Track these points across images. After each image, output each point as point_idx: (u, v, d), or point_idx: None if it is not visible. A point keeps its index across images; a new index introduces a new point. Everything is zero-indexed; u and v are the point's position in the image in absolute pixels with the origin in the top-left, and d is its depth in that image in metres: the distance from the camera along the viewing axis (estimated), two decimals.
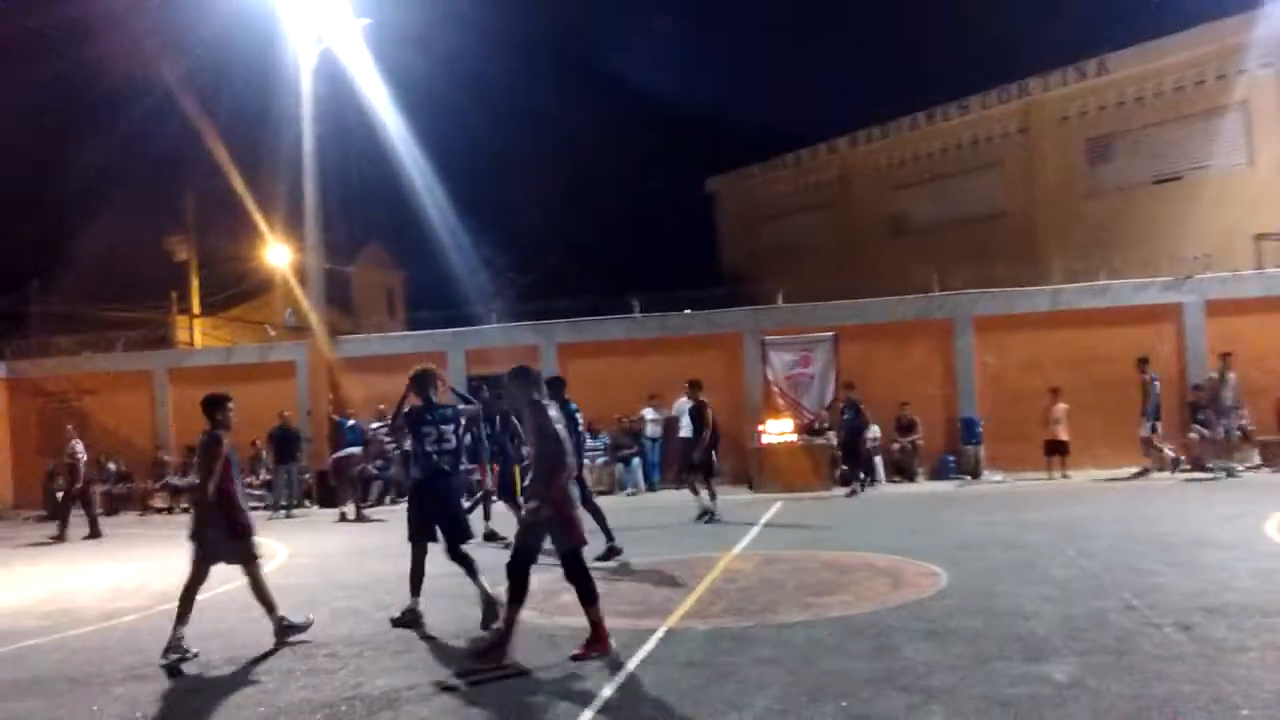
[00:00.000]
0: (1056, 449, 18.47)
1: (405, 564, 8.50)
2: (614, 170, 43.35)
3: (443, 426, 8.50)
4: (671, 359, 20.88)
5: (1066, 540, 10.99)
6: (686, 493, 18.97)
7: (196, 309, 32.10)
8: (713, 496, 14.64)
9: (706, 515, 14.41)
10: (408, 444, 19.48)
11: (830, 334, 20.42)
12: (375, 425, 20.56)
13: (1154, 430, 17.73)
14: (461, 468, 9.01)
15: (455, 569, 8.28)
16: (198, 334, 31.66)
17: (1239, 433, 17.75)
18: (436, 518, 8.47)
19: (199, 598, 7.97)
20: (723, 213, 41.03)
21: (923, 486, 18.79)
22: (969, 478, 19.11)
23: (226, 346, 27.38)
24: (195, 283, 31.93)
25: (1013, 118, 31.34)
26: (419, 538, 8.51)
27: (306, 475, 20.18)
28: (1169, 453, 17.91)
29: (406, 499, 9.02)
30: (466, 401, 9.83)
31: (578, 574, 7.08)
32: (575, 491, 7.34)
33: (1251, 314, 19.10)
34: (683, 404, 19.87)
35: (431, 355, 22.01)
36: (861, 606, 8.15)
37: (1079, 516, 13.11)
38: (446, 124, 37.19)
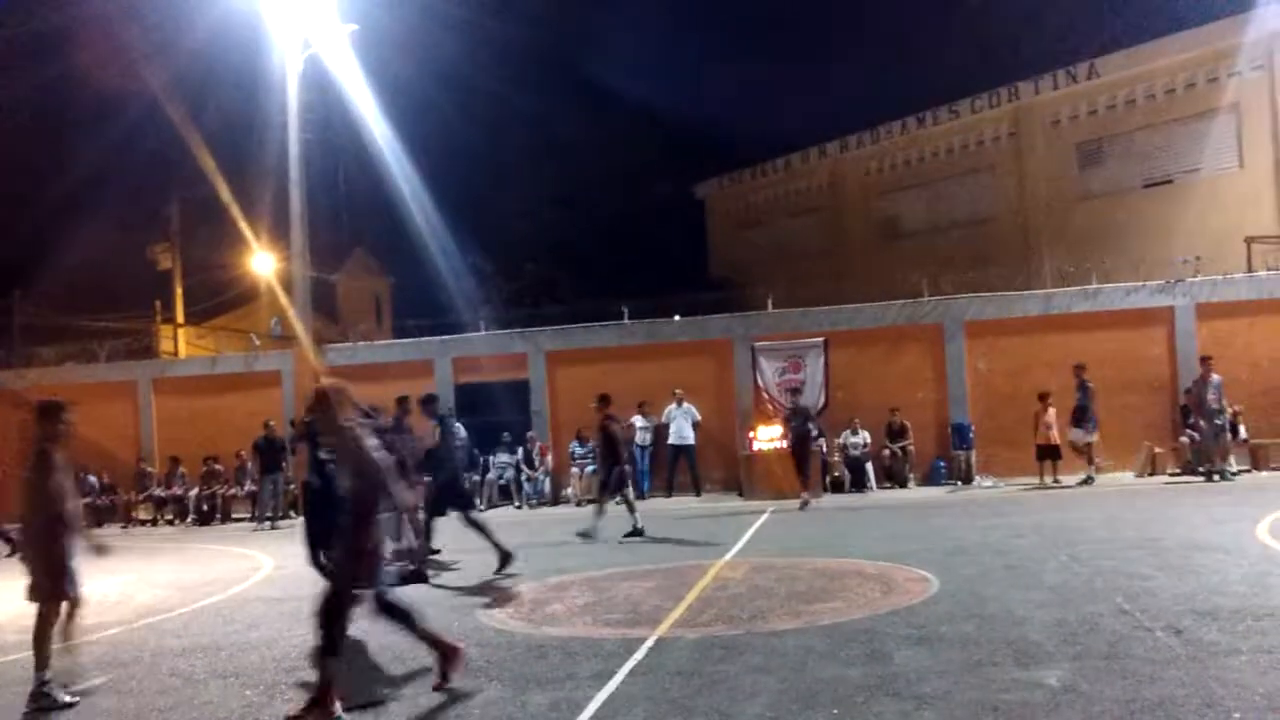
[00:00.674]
0: (1048, 454, 18.43)
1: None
2: (603, 176, 43.39)
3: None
4: (661, 366, 20.83)
5: (1058, 545, 10.94)
6: (677, 500, 19.05)
7: (181, 318, 31.88)
8: (600, 514, 13.88)
9: (587, 534, 13.58)
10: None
11: (820, 340, 20.36)
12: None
13: (1087, 435, 17.90)
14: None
15: (447, 581, 8.18)
16: (182, 344, 31.44)
17: (1230, 435, 17.71)
18: (331, 519, 8.69)
19: (182, 611, 7.85)
20: (713, 218, 41.08)
21: (914, 492, 18.72)
22: (960, 483, 19.06)
23: (211, 356, 27.24)
24: (179, 291, 31.73)
25: (1003, 121, 31.44)
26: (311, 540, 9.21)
27: (291, 485, 20.03)
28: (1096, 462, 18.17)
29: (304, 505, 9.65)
30: (368, 417, 9.85)
31: (331, 617, 6.14)
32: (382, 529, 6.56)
33: (1243, 316, 19.11)
34: (672, 410, 19.93)
35: (419, 363, 22.02)
36: (853, 613, 8.08)
37: (1070, 521, 13.05)
38: (434, 129, 37.19)
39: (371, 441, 6.49)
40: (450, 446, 12.21)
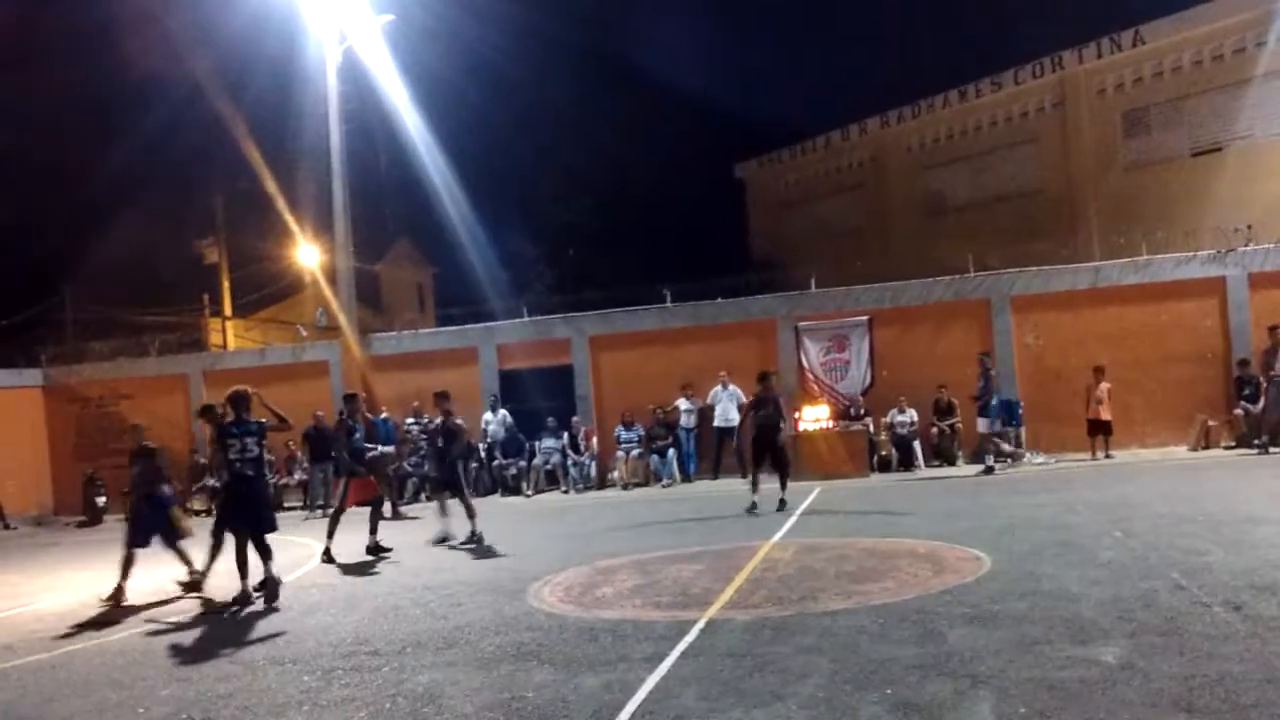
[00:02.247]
0: (1099, 429, 18.20)
1: (442, 561, 8.48)
2: (642, 159, 43.26)
3: (246, 439, 9.90)
4: (705, 348, 20.78)
5: (1111, 521, 10.80)
6: (724, 482, 19.00)
7: (228, 311, 32.32)
8: (467, 514, 13.28)
9: (444, 539, 13.19)
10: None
11: (865, 318, 20.22)
12: (409, 423, 20.63)
13: (993, 426, 17.61)
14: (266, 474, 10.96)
15: (498, 566, 8.24)
16: (230, 336, 31.88)
17: None
18: (242, 514, 10.06)
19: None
20: (753, 198, 40.86)
21: (963, 470, 18.56)
22: (1010, 460, 18.86)
23: (260, 348, 27.55)
24: (226, 284, 32.15)
25: (1047, 92, 30.96)
26: (234, 530, 10.09)
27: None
28: (1006, 447, 18.07)
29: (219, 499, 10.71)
30: (281, 420, 10.92)
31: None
32: None
33: None
34: (718, 392, 19.89)
35: (463, 351, 22.16)
36: (904, 593, 8.03)
37: (1123, 497, 12.89)
38: (472, 118, 37.44)
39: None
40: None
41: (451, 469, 13.47)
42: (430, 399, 20.96)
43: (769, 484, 14.29)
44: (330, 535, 12.61)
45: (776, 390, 15.03)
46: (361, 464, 13.27)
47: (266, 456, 10.72)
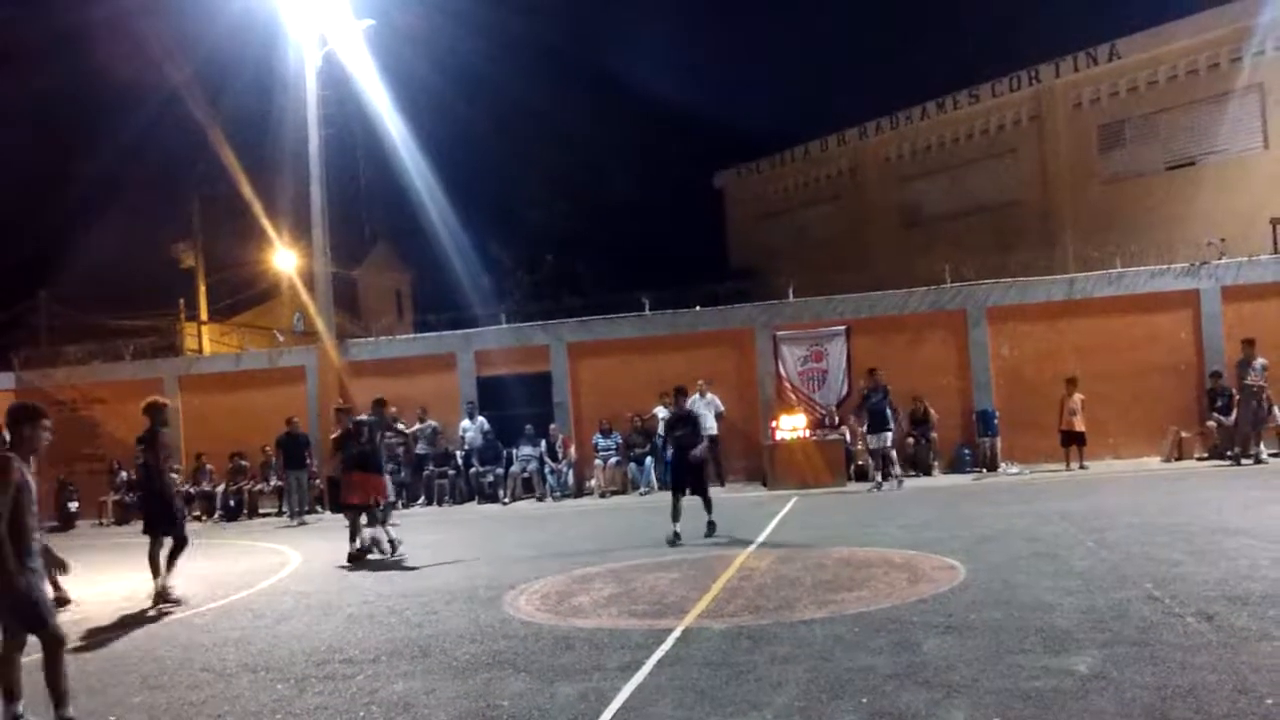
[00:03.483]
0: (1073, 440, 18.34)
1: (418, 568, 8.44)
2: (622, 167, 43.34)
3: (138, 446, 10.85)
4: (683, 356, 20.81)
5: (1086, 531, 10.88)
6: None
7: (204, 315, 32.12)
8: (382, 523, 13.25)
9: (359, 553, 12.85)
10: (419, 448, 19.62)
11: (842, 328, 20.30)
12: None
13: (883, 440, 17.40)
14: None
15: (474, 574, 8.20)
16: (206, 341, 31.67)
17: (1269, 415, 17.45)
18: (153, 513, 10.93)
19: (212, 606, 7.89)
20: (732, 207, 40.98)
21: (938, 480, 18.65)
22: (985, 470, 18.97)
23: (235, 353, 27.39)
24: (202, 289, 31.95)
25: (1024, 105, 31.24)
26: (149, 530, 10.83)
27: (317, 481, 20.13)
28: (897, 470, 17.65)
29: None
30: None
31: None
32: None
33: (1270, 298, 18.89)
34: (695, 401, 19.86)
35: (441, 357, 22.10)
36: (880, 602, 8.06)
37: (1097, 507, 12.98)
38: (452, 123, 37.34)
39: None
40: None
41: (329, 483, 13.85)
42: (410, 405, 21.07)
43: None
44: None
45: (689, 405, 13.90)
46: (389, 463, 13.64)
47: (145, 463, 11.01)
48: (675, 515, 12.45)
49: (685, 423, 13.00)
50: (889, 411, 17.54)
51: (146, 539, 10.83)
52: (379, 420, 13.73)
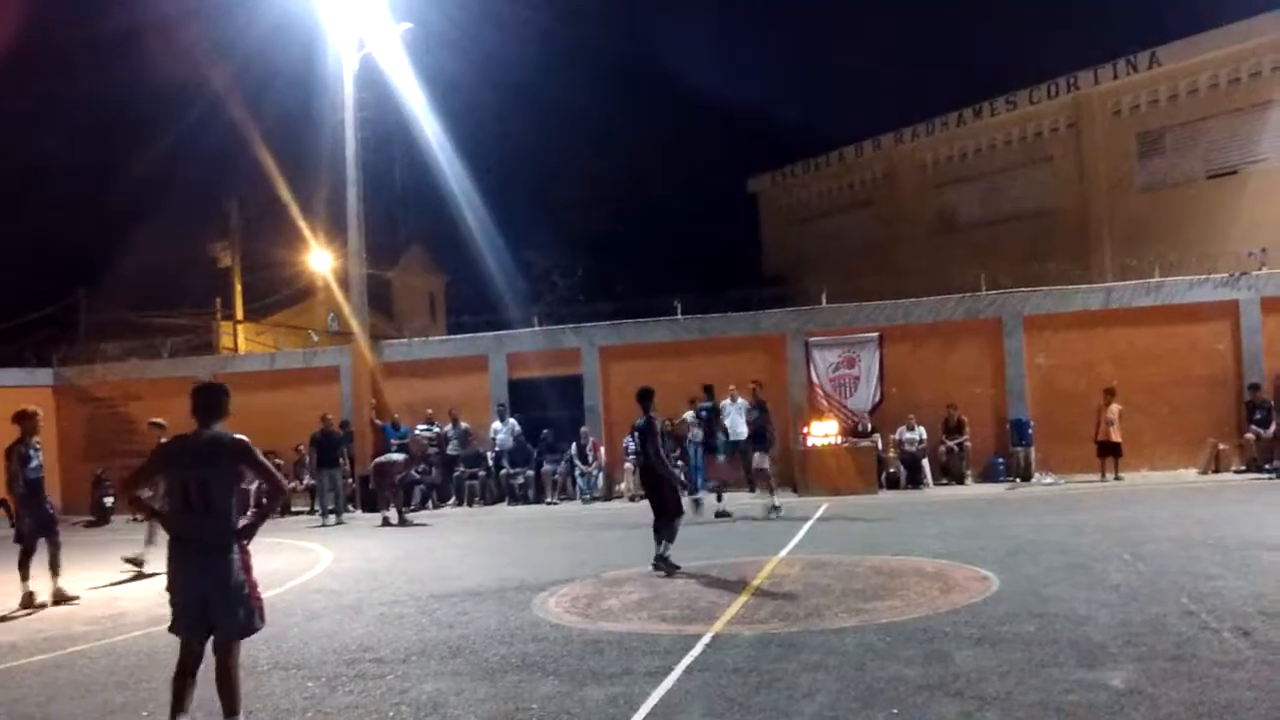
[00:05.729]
0: (1109, 451, 18.14)
1: (448, 569, 8.46)
2: (656, 172, 43.44)
3: (33, 452, 10.94)
4: (715, 361, 20.74)
5: (1121, 544, 10.76)
6: (730, 496, 18.92)
7: (240, 315, 32.44)
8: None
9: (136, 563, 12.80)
10: (451, 448, 19.87)
11: (875, 334, 20.19)
12: (419, 430, 20.66)
13: (764, 461, 16.27)
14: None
15: (504, 576, 8.21)
16: (242, 340, 31.99)
17: None
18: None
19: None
20: (765, 213, 40.92)
21: (972, 489, 18.51)
22: (1019, 480, 18.80)
23: (271, 352, 27.62)
24: (239, 288, 32.27)
25: (1062, 112, 30.98)
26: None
27: (349, 480, 20.25)
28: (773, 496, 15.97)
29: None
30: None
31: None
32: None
33: None
34: (726, 406, 19.83)
35: (473, 359, 22.19)
36: (911, 612, 8.00)
37: (1133, 519, 12.83)
38: (487, 126, 37.52)
39: None
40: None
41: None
42: (442, 407, 21.18)
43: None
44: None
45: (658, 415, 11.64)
46: None
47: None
48: (656, 537, 10.76)
49: (649, 435, 10.96)
50: (767, 431, 16.39)
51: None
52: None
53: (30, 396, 23.97)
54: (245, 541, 5.68)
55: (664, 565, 10.50)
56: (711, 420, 17.56)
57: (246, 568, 5.66)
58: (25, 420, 11.00)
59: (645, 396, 11.25)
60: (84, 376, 24.88)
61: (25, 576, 10.93)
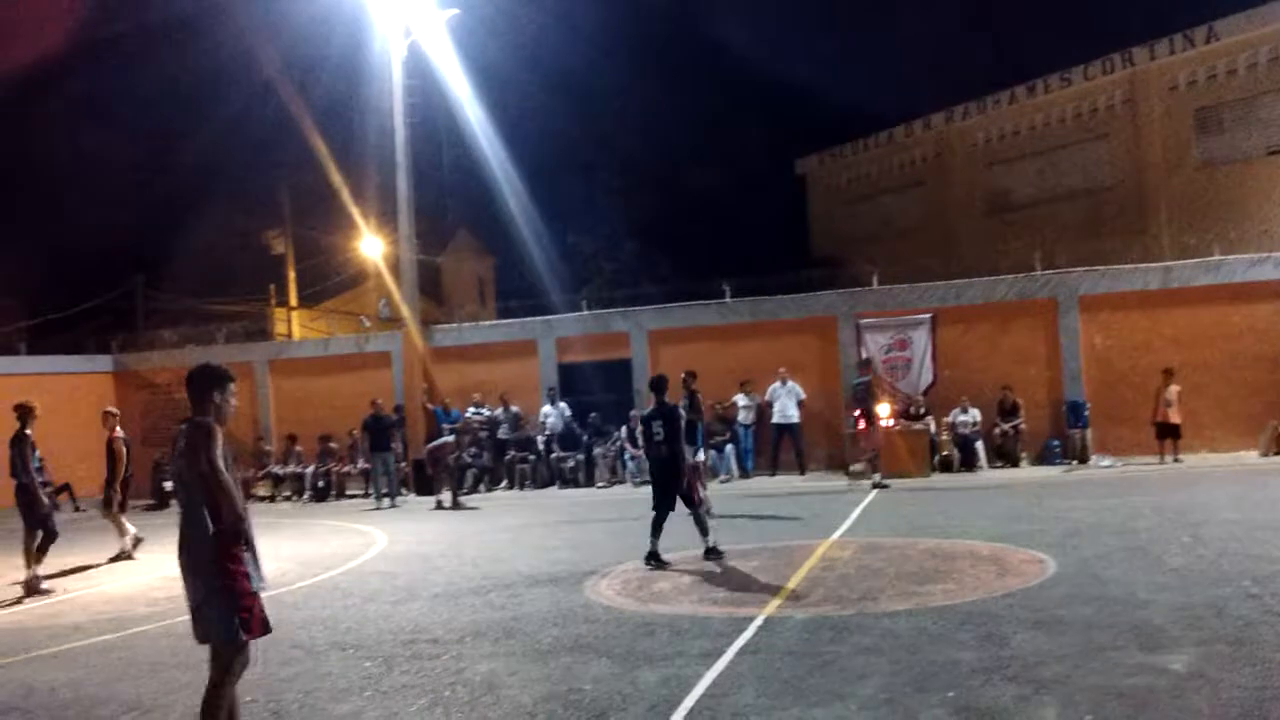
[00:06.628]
0: (1168, 432, 17.80)
1: (500, 552, 8.53)
2: (702, 154, 43.21)
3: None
4: (764, 344, 20.68)
5: (1181, 526, 10.58)
6: (781, 479, 18.92)
7: (294, 301, 32.87)
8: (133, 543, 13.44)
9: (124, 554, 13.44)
10: (501, 432, 19.99)
11: (928, 315, 19.96)
12: (470, 413, 20.82)
13: (697, 456, 13.62)
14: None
15: (555, 558, 8.26)
16: (295, 326, 32.43)
17: None
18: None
19: (302, 584, 8.06)
20: (814, 194, 40.58)
21: (1026, 472, 18.28)
22: (1075, 463, 18.54)
23: (324, 338, 27.97)
24: (292, 275, 32.69)
25: (1118, 88, 30.34)
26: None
27: (403, 464, 20.45)
28: (706, 495, 13.00)
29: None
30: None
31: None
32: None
33: None
34: (776, 389, 19.81)
35: (523, 343, 22.30)
36: (966, 595, 7.93)
37: (1193, 502, 12.61)
38: (533, 110, 37.54)
39: None
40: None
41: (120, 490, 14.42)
42: (492, 390, 21.34)
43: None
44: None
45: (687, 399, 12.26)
46: None
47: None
48: (653, 530, 10.39)
49: (663, 420, 10.59)
50: (699, 420, 14.45)
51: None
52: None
53: (91, 382, 24.62)
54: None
55: (713, 555, 10.39)
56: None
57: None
58: (23, 412, 11.58)
59: (660, 385, 10.87)
60: (142, 363, 25.37)
61: (38, 561, 11.36)
